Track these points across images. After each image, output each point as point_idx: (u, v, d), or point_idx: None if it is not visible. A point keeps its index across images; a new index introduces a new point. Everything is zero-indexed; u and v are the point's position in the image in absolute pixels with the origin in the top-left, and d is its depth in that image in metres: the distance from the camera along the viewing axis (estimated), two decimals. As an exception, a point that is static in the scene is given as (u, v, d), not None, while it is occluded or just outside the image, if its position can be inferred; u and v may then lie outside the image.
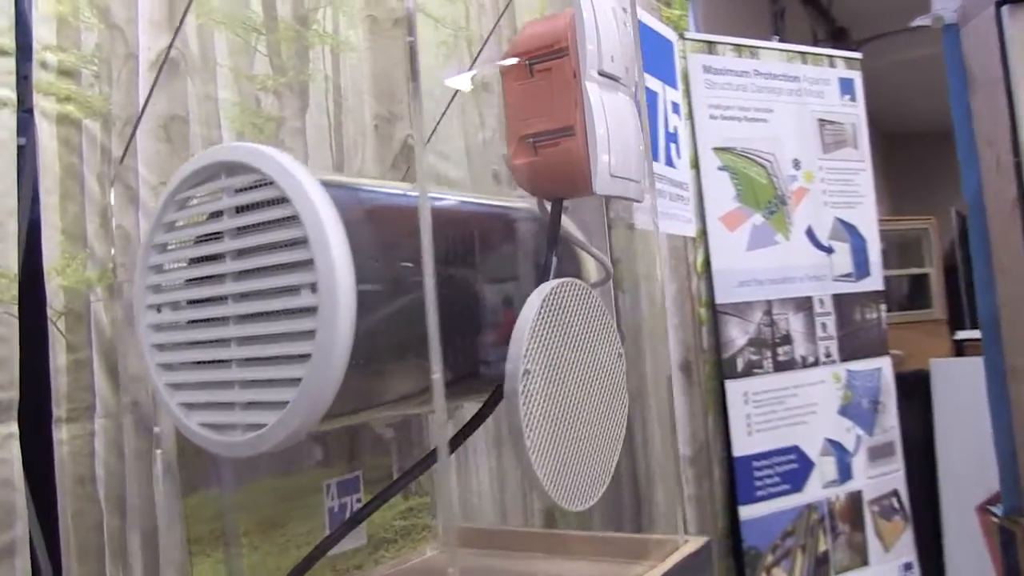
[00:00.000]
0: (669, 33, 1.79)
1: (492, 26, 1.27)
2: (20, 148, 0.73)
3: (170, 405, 0.62)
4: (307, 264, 0.54)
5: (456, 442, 0.65)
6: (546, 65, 0.63)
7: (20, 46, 0.73)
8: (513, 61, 0.65)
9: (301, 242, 0.55)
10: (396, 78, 1.09)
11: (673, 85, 1.77)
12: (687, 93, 1.83)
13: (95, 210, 0.77)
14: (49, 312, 0.72)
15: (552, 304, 0.61)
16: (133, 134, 0.79)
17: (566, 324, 0.61)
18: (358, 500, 0.73)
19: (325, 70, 1.01)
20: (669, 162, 1.65)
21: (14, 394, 0.68)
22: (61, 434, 0.71)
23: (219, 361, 0.60)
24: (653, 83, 1.65)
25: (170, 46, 0.83)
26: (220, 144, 0.84)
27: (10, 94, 0.72)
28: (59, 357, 0.72)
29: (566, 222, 0.72)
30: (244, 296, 0.59)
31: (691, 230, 1.68)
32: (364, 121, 1.05)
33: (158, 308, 0.64)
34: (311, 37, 0.99)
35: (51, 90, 0.75)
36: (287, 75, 0.96)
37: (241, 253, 0.60)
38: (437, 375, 0.51)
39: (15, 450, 0.67)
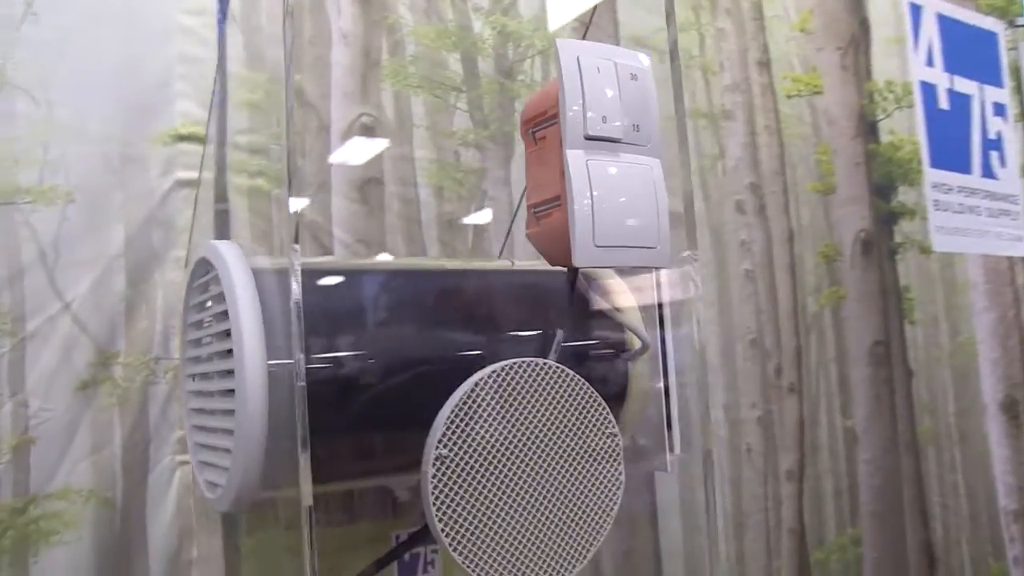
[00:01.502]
0: (991, 23, 1.54)
1: (733, 50, 1.19)
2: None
3: (193, 462, 0.67)
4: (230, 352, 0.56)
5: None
6: (543, 132, 0.59)
7: (218, 132, 0.82)
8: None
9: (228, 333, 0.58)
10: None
11: (996, 83, 1.52)
12: (1018, 90, 1.56)
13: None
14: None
15: (496, 387, 0.55)
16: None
17: (517, 408, 0.55)
18: (433, 551, 0.73)
19: (532, 118, 1.00)
20: (988, 173, 1.40)
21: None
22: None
23: (206, 427, 0.64)
24: (965, 85, 1.43)
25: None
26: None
27: (208, 175, 0.81)
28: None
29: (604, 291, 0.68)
30: (205, 376, 0.63)
31: (1019, 249, 1.41)
32: (578, 164, 1.02)
33: (192, 377, 0.68)
34: (516, 88, 1.00)
35: (243, 167, 0.83)
36: (489, 128, 0.97)
37: (208, 339, 0.63)
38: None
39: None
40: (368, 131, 0.90)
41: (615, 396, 0.67)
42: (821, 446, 1.19)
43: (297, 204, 0.53)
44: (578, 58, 0.57)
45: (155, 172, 0.79)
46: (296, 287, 0.48)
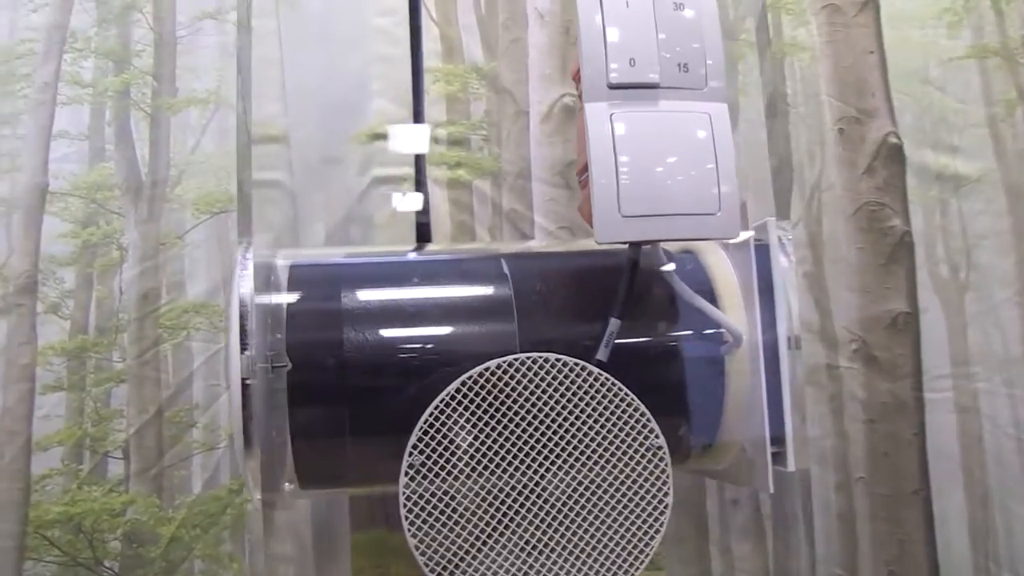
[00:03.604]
0: None
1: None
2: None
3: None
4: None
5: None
6: (579, 89, 0.48)
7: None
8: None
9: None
10: (865, 69, 0.90)
11: None
12: None
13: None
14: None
15: (489, 386, 0.45)
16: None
17: (517, 413, 0.45)
18: None
19: (762, 79, 0.89)
20: None
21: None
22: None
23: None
24: None
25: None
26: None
27: (409, 171, 0.81)
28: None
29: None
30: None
31: None
32: (822, 127, 0.89)
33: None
34: (739, 48, 0.89)
35: (442, 160, 0.82)
36: (709, 96, 0.88)
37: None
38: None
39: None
40: (571, 112, 0.86)
41: (704, 401, 0.54)
42: None
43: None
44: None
45: (353, 171, 0.81)
46: (246, 284, 0.44)
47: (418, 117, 0.79)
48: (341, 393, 0.48)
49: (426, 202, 0.80)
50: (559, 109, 0.85)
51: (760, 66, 0.88)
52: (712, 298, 0.51)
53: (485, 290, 0.53)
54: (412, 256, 0.61)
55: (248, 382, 0.43)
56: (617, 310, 0.50)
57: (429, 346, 0.50)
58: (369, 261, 0.59)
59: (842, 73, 0.90)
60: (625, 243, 0.48)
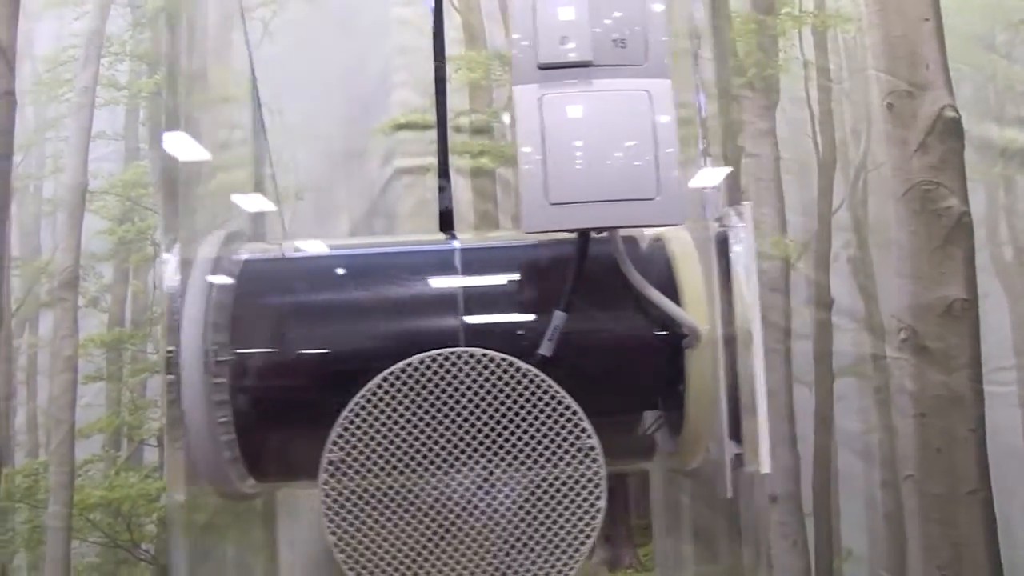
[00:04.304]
0: None
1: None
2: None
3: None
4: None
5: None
6: None
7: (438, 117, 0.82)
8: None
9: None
10: (919, 39, 0.84)
11: None
12: None
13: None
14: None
15: (412, 383, 0.44)
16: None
17: (440, 410, 0.44)
18: None
19: (803, 56, 0.84)
20: None
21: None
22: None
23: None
24: None
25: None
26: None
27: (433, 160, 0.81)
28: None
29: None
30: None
31: None
32: (869, 102, 0.84)
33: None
34: (781, 23, 0.85)
35: (465, 149, 0.81)
36: (747, 74, 0.84)
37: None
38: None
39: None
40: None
41: (664, 398, 0.51)
42: None
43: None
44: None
45: (376, 163, 0.82)
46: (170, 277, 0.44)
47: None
48: (280, 388, 0.48)
49: (449, 191, 0.79)
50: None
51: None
52: (673, 290, 0.49)
53: (432, 284, 0.52)
54: (365, 250, 0.61)
55: (171, 377, 0.44)
56: (562, 303, 0.47)
57: (369, 341, 0.49)
58: (325, 255, 0.58)
59: (892, 44, 0.85)
60: (554, 232, 0.46)
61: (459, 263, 0.52)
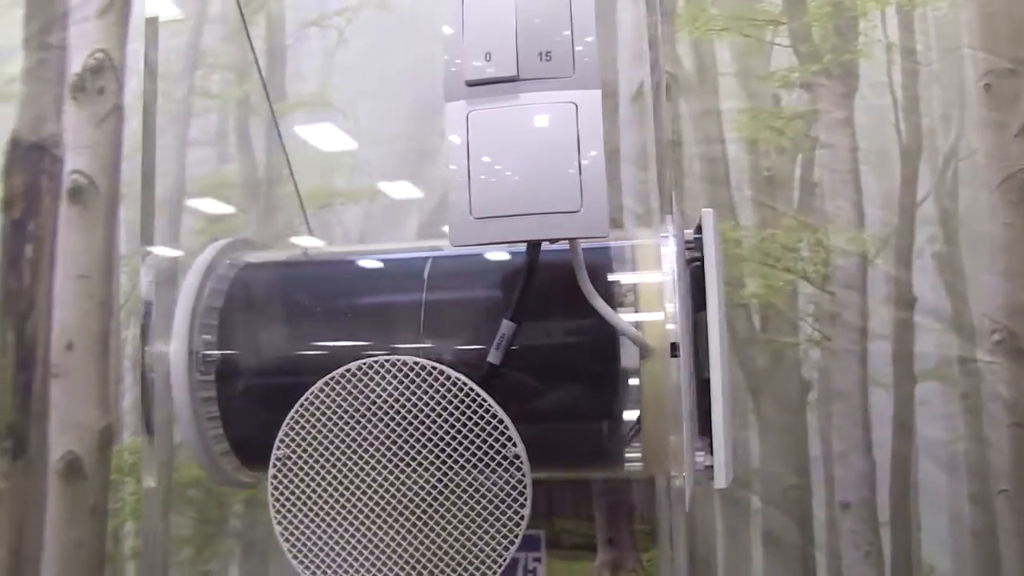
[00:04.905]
0: None
1: None
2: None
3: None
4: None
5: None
6: None
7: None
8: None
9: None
10: (1023, 12, 0.77)
11: None
12: None
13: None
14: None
15: (350, 387, 0.46)
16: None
17: (375, 415, 0.46)
18: (536, 560, 0.58)
19: (887, 38, 0.79)
20: None
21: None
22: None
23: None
24: None
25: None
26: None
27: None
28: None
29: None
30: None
31: None
32: (963, 83, 0.77)
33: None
34: (861, 4, 0.80)
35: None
36: (822, 60, 0.79)
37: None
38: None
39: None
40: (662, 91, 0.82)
41: (617, 409, 0.50)
42: None
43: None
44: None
45: (443, 161, 0.84)
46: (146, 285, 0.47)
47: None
48: (258, 387, 0.51)
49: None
50: (649, 87, 0.82)
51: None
52: (631, 299, 0.48)
53: (399, 293, 0.54)
54: (347, 257, 0.63)
55: (152, 375, 0.48)
56: (510, 312, 0.48)
57: (331, 345, 0.52)
58: (309, 261, 0.62)
59: (992, 18, 0.78)
60: (479, 245, 0.46)
61: (427, 273, 0.53)
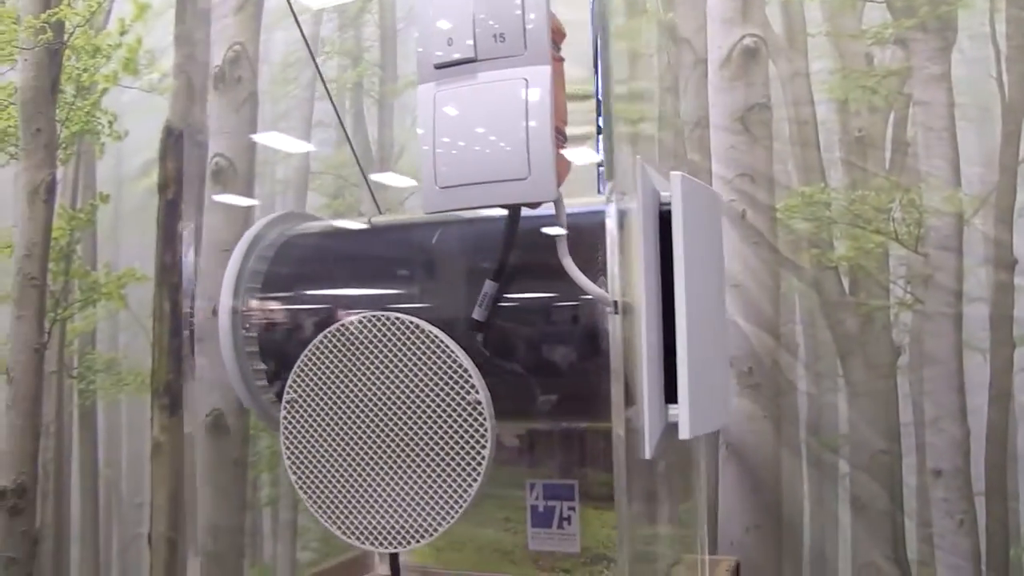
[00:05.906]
0: None
1: None
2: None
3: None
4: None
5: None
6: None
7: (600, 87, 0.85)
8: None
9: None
10: None
11: None
12: None
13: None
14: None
15: (346, 340, 0.52)
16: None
17: (366, 363, 0.52)
18: (571, 508, 0.61)
19: (990, -12, 0.75)
20: None
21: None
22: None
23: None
24: None
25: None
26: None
27: (590, 130, 0.84)
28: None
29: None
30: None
31: None
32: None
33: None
34: (962, -49, 0.76)
35: (625, 115, 0.84)
36: (918, 14, 0.77)
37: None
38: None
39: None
40: (751, 54, 0.81)
41: (586, 363, 0.53)
42: None
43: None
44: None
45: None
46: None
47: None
48: (294, 341, 0.60)
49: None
50: (738, 52, 0.82)
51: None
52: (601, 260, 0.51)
53: (409, 256, 0.62)
54: (370, 227, 0.70)
55: (190, 331, 0.57)
56: (493, 273, 0.54)
57: (347, 303, 0.60)
58: (342, 231, 0.70)
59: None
60: (444, 212, 0.51)
61: (437, 238, 0.59)
